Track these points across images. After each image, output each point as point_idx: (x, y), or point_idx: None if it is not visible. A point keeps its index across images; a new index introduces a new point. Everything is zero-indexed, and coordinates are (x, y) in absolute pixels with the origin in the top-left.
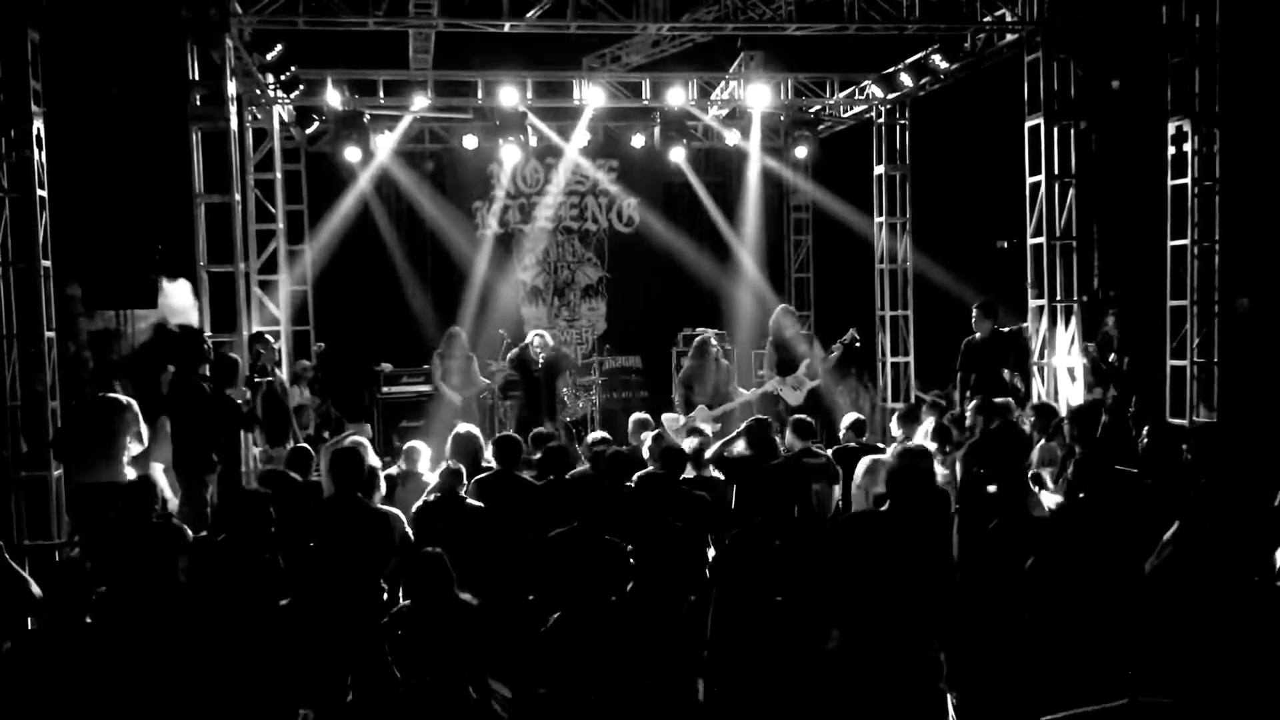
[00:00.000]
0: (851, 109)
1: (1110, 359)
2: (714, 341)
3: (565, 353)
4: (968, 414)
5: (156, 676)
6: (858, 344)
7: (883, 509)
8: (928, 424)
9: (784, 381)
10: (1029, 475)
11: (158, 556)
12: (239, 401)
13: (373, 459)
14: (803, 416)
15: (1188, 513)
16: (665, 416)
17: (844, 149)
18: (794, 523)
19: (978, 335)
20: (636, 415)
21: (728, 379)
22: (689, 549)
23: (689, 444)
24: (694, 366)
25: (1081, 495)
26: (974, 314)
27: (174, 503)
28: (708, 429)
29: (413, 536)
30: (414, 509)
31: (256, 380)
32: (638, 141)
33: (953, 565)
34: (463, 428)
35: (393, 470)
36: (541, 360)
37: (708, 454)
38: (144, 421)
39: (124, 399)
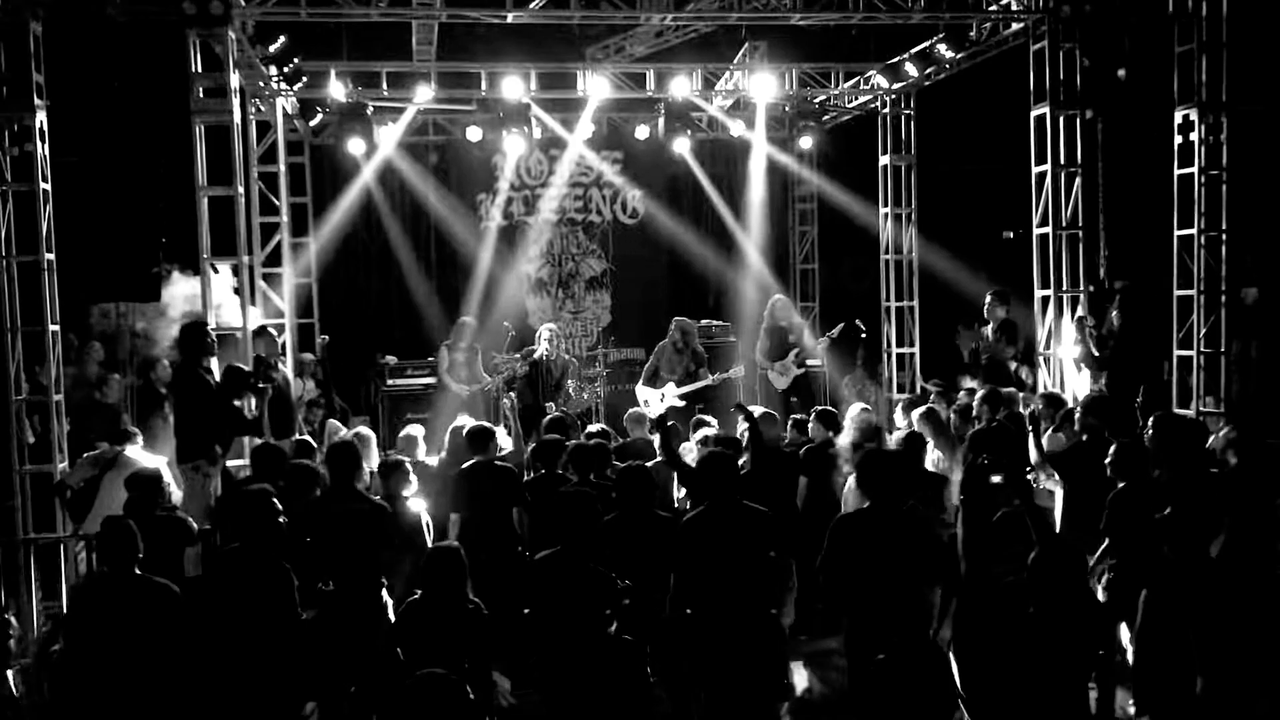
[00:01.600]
0: (856, 99)
1: (1107, 348)
2: (686, 324)
3: (571, 361)
4: (974, 404)
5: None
6: (863, 335)
7: (865, 507)
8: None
9: (773, 367)
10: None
11: (163, 550)
12: (245, 413)
13: (373, 456)
14: (828, 408)
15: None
16: (638, 389)
17: (849, 139)
18: (743, 509)
19: (989, 326)
20: (633, 410)
21: (701, 362)
22: None
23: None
24: (667, 345)
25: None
26: (988, 301)
27: (178, 496)
28: (676, 404)
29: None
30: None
31: (261, 386)
32: (642, 133)
33: (948, 555)
34: (460, 421)
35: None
36: (553, 357)
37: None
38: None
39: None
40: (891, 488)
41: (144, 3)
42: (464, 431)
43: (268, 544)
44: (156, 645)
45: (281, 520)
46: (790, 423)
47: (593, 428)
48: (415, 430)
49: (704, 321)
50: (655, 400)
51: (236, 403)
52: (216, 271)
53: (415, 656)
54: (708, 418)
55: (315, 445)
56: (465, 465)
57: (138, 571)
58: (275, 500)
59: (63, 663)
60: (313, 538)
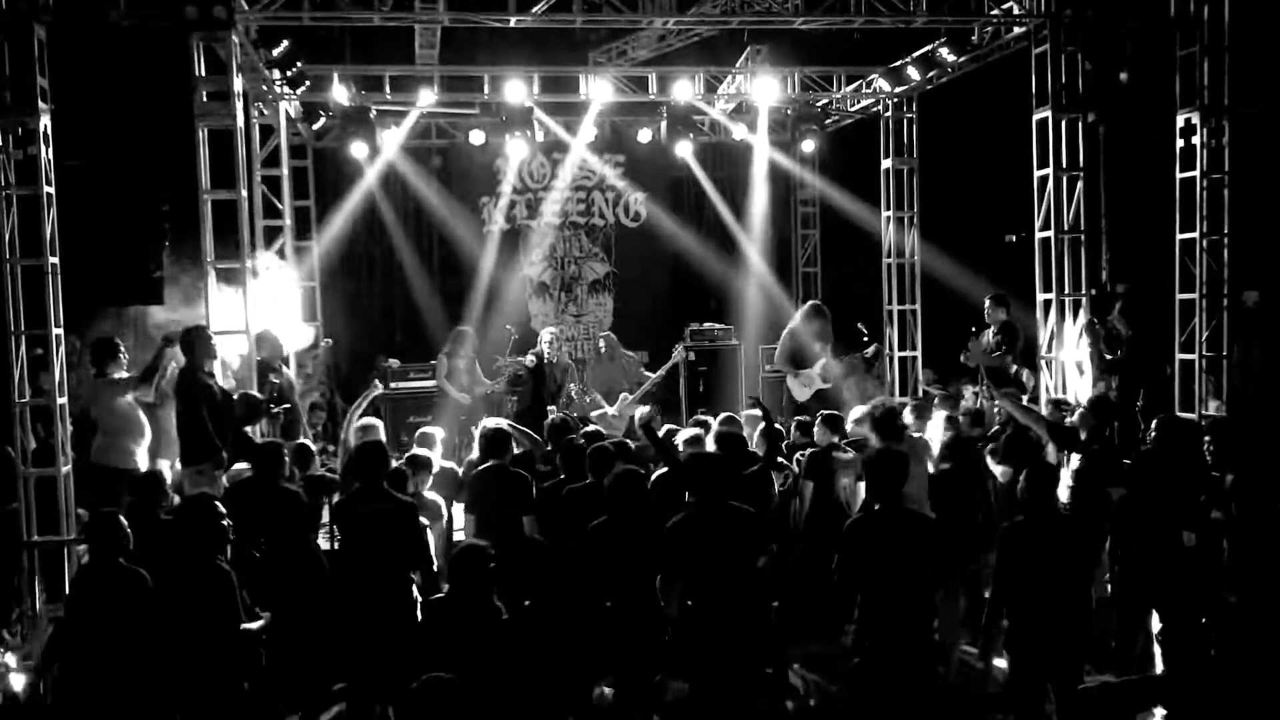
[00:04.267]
0: (858, 102)
1: (1118, 352)
2: (612, 339)
3: (571, 364)
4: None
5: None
6: (865, 338)
7: (876, 509)
8: (938, 417)
9: (797, 375)
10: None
11: (165, 552)
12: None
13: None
14: (834, 412)
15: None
16: (594, 414)
17: (851, 143)
18: (729, 509)
19: (989, 330)
20: (639, 409)
21: (636, 366)
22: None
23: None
24: (601, 365)
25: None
26: (987, 305)
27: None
28: (638, 412)
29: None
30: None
31: (275, 412)
32: (644, 136)
33: (953, 557)
34: (491, 422)
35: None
36: (553, 360)
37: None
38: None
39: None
40: (899, 489)
41: (147, 7)
42: (481, 434)
43: (210, 551)
44: (142, 632)
45: (226, 524)
46: (794, 424)
47: (589, 428)
48: (433, 430)
49: (706, 325)
50: (611, 415)
51: (247, 429)
52: (218, 280)
53: (439, 655)
54: (708, 418)
55: (314, 450)
56: (480, 468)
57: (122, 561)
58: (218, 505)
59: (62, 655)
60: (341, 536)
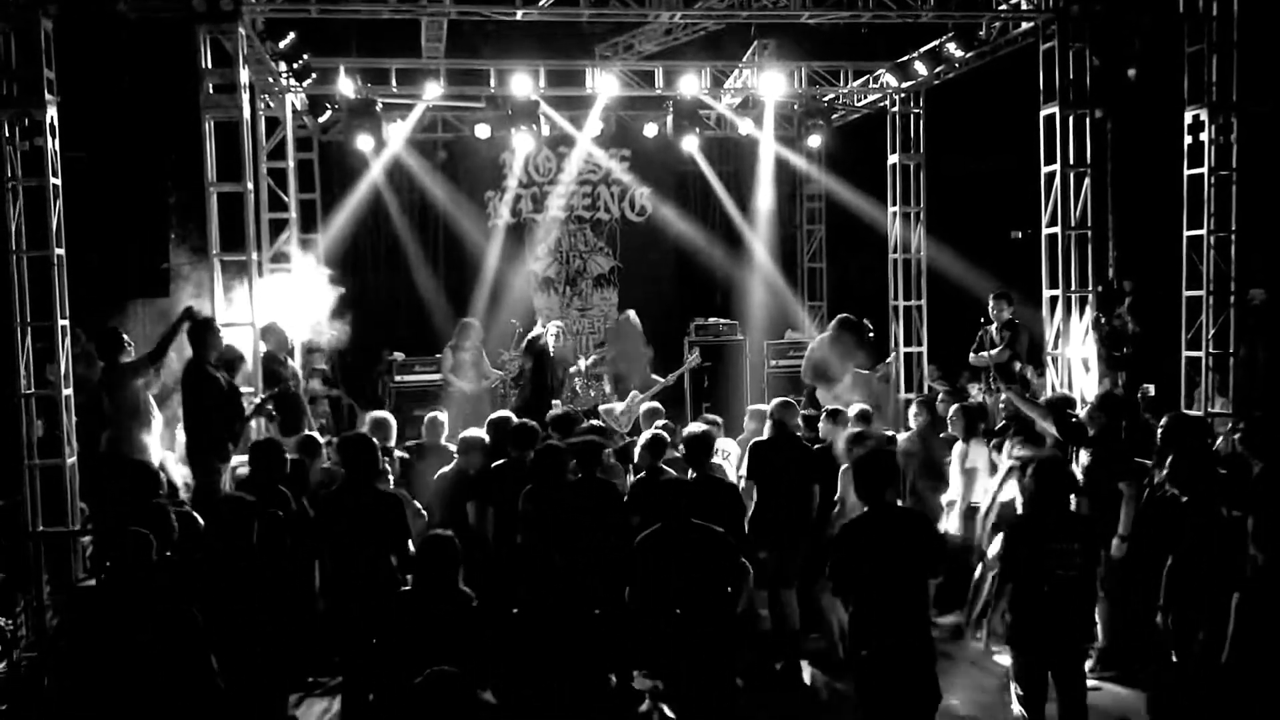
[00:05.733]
0: (865, 97)
1: (1124, 349)
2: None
3: (577, 357)
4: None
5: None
6: (870, 335)
7: (865, 511)
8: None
9: (828, 388)
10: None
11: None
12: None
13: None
14: (837, 407)
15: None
16: (602, 408)
17: (858, 138)
18: (695, 529)
19: (993, 326)
20: (646, 405)
21: (649, 362)
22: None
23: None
24: (620, 352)
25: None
26: (990, 303)
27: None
28: (644, 409)
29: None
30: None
31: (277, 391)
32: (650, 130)
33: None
34: (499, 415)
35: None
36: (554, 350)
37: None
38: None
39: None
40: (887, 489)
41: None
42: (511, 428)
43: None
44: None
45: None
46: (800, 419)
47: (586, 423)
48: (441, 415)
49: (711, 320)
50: (619, 411)
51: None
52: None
53: (409, 648)
54: (714, 416)
55: (321, 441)
56: (496, 463)
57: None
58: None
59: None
60: (330, 531)
